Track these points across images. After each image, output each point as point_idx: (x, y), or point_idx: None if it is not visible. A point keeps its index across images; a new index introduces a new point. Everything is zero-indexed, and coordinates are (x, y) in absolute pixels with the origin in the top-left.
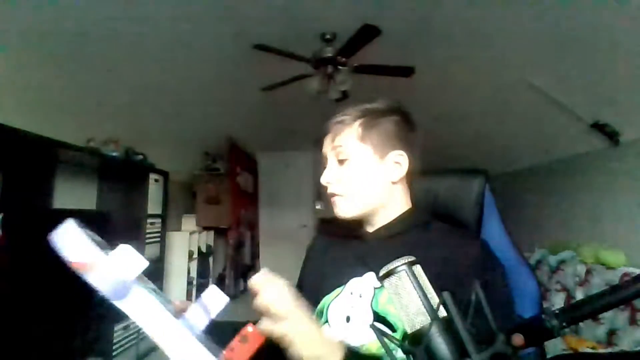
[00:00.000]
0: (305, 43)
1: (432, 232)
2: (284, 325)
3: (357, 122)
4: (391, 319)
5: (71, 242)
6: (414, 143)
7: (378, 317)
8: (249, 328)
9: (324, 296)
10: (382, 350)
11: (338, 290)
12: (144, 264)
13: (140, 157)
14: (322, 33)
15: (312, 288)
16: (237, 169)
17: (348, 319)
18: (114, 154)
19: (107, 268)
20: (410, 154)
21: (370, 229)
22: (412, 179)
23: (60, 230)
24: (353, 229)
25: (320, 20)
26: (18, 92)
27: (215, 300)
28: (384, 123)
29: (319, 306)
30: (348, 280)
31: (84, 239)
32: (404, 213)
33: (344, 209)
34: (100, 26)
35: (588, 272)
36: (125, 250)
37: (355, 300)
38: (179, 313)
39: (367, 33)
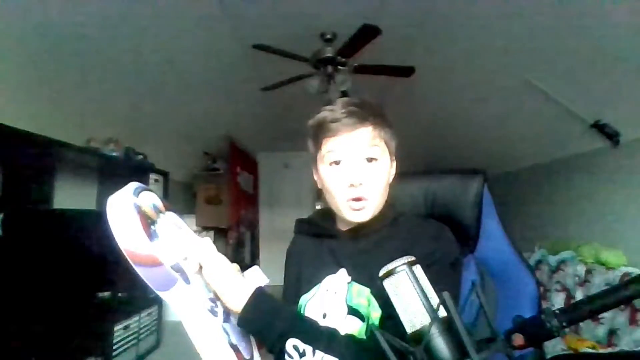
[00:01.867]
0: (305, 43)
1: (399, 225)
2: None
3: (382, 124)
4: (362, 311)
5: (124, 223)
6: None
7: (351, 311)
8: None
9: (302, 295)
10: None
11: (314, 289)
12: (197, 249)
13: (140, 157)
14: (322, 33)
15: (293, 290)
16: (237, 169)
17: (325, 316)
18: (114, 154)
19: (152, 260)
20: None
21: (344, 227)
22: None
23: (118, 201)
24: (326, 228)
25: (320, 20)
26: (18, 92)
27: (257, 279)
28: (390, 126)
29: (298, 306)
30: (323, 278)
31: (137, 224)
32: (379, 212)
33: (367, 213)
34: (100, 26)
35: (588, 272)
36: (178, 234)
37: (330, 297)
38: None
39: (367, 33)
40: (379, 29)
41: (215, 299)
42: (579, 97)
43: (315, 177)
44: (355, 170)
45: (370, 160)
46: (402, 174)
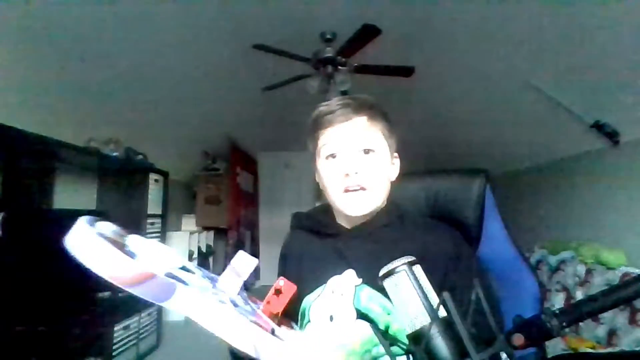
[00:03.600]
0: (305, 43)
1: (407, 226)
2: None
3: (378, 117)
4: (373, 316)
5: (98, 254)
6: None
7: (361, 315)
8: (281, 282)
9: (305, 296)
10: (365, 348)
11: (319, 290)
12: (175, 256)
13: (140, 157)
14: (322, 33)
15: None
16: (237, 169)
17: (331, 318)
18: (114, 154)
19: (142, 274)
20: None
21: (349, 225)
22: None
23: (78, 236)
24: (327, 225)
25: (320, 20)
26: (18, 92)
27: (245, 263)
28: (388, 121)
29: (302, 307)
30: (328, 279)
31: (111, 248)
32: (381, 210)
33: (365, 205)
34: (101, 26)
35: (588, 272)
36: (152, 247)
37: (337, 299)
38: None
39: (367, 33)
40: (379, 29)
41: (217, 288)
42: (579, 97)
43: (316, 177)
44: (351, 160)
45: (367, 151)
46: (403, 174)
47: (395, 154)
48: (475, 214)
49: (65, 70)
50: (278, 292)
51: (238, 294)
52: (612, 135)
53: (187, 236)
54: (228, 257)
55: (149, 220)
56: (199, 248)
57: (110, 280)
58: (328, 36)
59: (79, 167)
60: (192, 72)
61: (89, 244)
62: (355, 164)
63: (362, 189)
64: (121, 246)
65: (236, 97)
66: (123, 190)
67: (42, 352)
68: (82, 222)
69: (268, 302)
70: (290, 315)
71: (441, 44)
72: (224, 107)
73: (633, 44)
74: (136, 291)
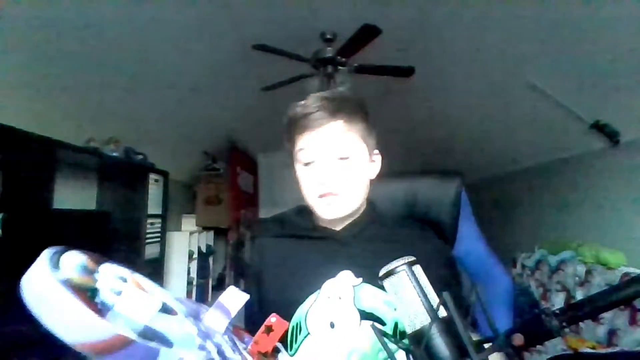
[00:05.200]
0: (305, 43)
1: (388, 225)
2: None
3: (356, 118)
4: (379, 313)
5: (60, 312)
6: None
7: (365, 315)
8: (272, 319)
9: (297, 307)
10: (378, 347)
11: (313, 296)
12: (155, 305)
13: (140, 157)
14: (322, 33)
15: (280, 301)
16: (237, 169)
17: (332, 325)
18: (114, 154)
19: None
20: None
21: (336, 227)
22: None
23: (36, 285)
24: (312, 228)
25: (320, 20)
26: (18, 92)
27: (234, 299)
28: (366, 121)
29: (295, 319)
30: (321, 284)
31: (78, 305)
32: (364, 210)
33: (338, 209)
34: (100, 26)
35: (588, 272)
36: (130, 298)
37: (335, 304)
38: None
39: (367, 33)
40: (379, 29)
41: (202, 331)
42: (579, 97)
43: (295, 175)
44: (326, 169)
45: (342, 158)
46: (383, 175)
47: (376, 151)
48: (452, 214)
49: (65, 70)
50: (269, 329)
51: (224, 334)
52: (612, 135)
53: (187, 236)
54: (228, 257)
55: (149, 220)
56: (199, 248)
57: (77, 349)
58: (328, 36)
59: (79, 167)
60: (192, 72)
61: (48, 298)
62: (330, 174)
63: (335, 195)
64: (90, 295)
65: (236, 97)
66: (123, 190)
67: (42, 352)
68: (43, 261)
69: (256, 342)
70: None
71: (441, 44)
72: (224, 107)
73: (633, 43)
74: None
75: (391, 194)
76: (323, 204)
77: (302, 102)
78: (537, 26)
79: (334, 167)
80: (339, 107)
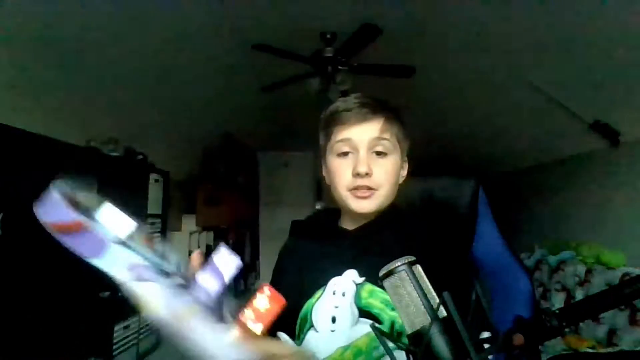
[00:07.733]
0: (305, 43)
1: (401, 225)
2: None
3: (395, 121)
4: (375, 311)
5: (51, 207)
6: None
7: (363, 312)
8: (267, 290)
9: (306, 301)
10: (373, 345)
11: (319, 292)
12: (129, 225)
13: (140, 157)
14: (322, 33)
15: (293, 295)
16: (237, 168)
17: (334, 320)
18: (114, 154)
19: (83, 229)
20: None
21: (352, 227)
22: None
23: (43, 200)
24: (329, 228)
25: (320, 20)
26: (18, 92)
27: (226, 263)
28: (403, 126)
29: (303, 312)
30: (328, 280)
31: (61, 202)
32: (383, 212)
33: (372, 204)
34: (100, 26)
35: (588, 272)
36: (108, 211)
37: (338, 300)
38: (194, 269)
39: (367, 33)
40: (379, 29)
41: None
42: (579, 97)
43: (324, 172)
44: (363, 160)
45: (379, 154)
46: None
47: (405, 158)
48: (469, 214)
49: (65, 70)
50: (268, 300)
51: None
52: (612, 135)
53: (187, 236)
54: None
55: (149, 220)
56: (199, 248)
57: (46, 227)
58: (328, 36)
59: (79, 167)
60: (192, 72)
61: (45, 200)
62: (367, 165)
63: (371, 189)
64: (84, 210)
65: (236, 97)
66: (123, 190)
67: (42, 352)
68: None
69: (251, 311)
70: (285, 326)
71: (441, 44)
72: (224, 107)
73: (633, 43)
74: (67, 241)
75: (406, 194)
76: (356, 196)
77: (343, 99)
78: (537, 26)
79: (371, 160)
80: (380, 107)
